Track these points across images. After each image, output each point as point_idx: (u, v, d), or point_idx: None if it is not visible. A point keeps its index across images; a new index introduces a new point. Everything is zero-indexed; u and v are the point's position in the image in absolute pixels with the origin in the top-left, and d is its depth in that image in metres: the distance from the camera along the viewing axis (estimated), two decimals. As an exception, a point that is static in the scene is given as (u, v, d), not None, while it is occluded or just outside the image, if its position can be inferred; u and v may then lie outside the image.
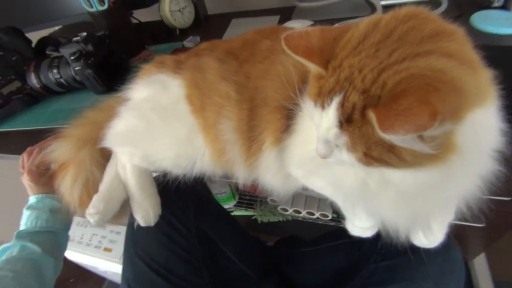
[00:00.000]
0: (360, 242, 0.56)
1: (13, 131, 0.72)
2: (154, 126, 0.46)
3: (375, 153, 0.26)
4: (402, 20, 0.26)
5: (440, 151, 0.24)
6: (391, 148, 0.25)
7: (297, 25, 0.80)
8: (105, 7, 0.78)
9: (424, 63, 0.23)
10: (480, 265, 0.89)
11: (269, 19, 0.91)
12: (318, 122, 0.28)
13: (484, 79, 0.26)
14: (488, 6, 0.71)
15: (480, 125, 0.26)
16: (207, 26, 1.00)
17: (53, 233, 0.51)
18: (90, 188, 0.48)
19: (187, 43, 0.87)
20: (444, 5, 0.72)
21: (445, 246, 0.47)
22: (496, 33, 0.62)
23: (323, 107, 0.27)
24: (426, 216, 0.38)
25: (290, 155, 0.38)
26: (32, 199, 0.53)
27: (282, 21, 0.88)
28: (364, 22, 0.27)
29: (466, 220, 0.46)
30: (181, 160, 0.46)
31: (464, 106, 0.23)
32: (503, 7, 0.70)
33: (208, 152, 0.45)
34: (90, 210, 0.46)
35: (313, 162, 0.36)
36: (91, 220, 0.46)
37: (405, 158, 0.25)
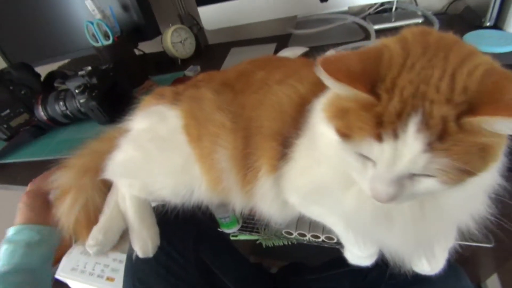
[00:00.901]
0: (366, 270, 0.54)
1: (19, 162, 0.74)
2: (152, 157, 0.47)
3: (471, 165, 0.23)
4: (423, 34, 0.26)
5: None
6: (481, 153, 0.23)
7: (289, 53, 0.82)
8: (110, 41, 0.83)
9: (480, 59, 0.23)
10: (494, 286, 0.85)
11: (266, 47, 0.94)
12: (390, 157, 0.24)
13: None
14: (479, 26, 0.73)
15: None
16: (207, 55, 1.04)
17: (31, 271, 0.46)
18: (90, 212, 0.49)
19: (188, 72, 0.90)
20: (436, 26, 0.75)
21: (454, 275, 0.45)
22: (489, 52, 0.64)
23: (396, 136, 0.23)
24: (431, 241, 0.37)
25: (287, 183, 0.38)
26: (10, 231, 0.49)
27: (279, 48, 0.91)
28: (392, 43, 0.26)
29: (474, 241, 0.45)
30: (179, 189, 0.46)
31: None
32: (494, 26, 0.72)
33: (204, 181, 0.45)
34: (90, 241, 0.46)
35: (316, 193, 0.35)
36: (91, 252, 0.46)
37: (488, 163, 0.23)
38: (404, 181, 0.25)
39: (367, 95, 0.24)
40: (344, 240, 0.41)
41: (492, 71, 0.23)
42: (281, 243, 1.21)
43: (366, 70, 0.24)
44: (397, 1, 0.86)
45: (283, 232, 1.11)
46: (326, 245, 1.05)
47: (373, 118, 0.23)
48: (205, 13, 0.90)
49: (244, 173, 0.41)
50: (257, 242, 1.24)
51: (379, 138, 0.23)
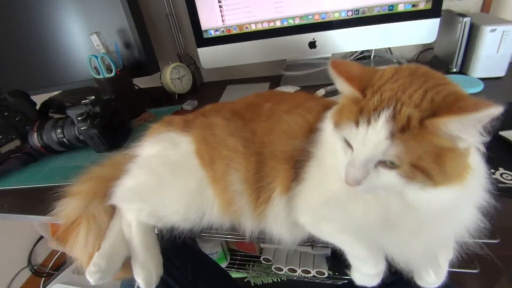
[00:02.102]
0: None
1: (7, 189, 0.71)
2: (164, 181, 0.48)
3: (423, 163, 0.28)
4: (417, 67, 0.32)
5: (462, 167, 0.30)
6: (437, 159, 0.28)
7: (286, 90, 0.90)
8: (112, 74, 0.86)
9: (455, 87, 0.30)
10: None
11: (260, 86, 1.02)
12: (361, 139, 0.30)
13: None
14: (447, 71, 0.85)
15: (476, 157, 0.33)
16: (203, 91, 1.09)
17: None
18: (101, 240, 0.47)
19: (185, 106, 0.94)
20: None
21: None
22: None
23: (369, 122, 0.29)
24: (436, 250, 0.40)
25: (299, 202, 0.41)
26: None
27: (272, 87, 0.99)
28: (388, 67, 0.33)
29: (460, 267, 0.48)
30: (190, 213, 0.47)
31: None
32: (460, 72, 0.84)
33: (217, 203, 0.46)
34: (91, 268, 0.44)
35: (326, 206, 0.38)
36: (91, 280, 0.44)
37: (446, 170, 0.29)
38: (370, 170, 0.31)
39: (357, 92, 0.31)
40: (353, 257, 0.42)
41: (456, 93, 0.29)
42: (270, 280, 1.18)
43: (363, 76, 0.32)
44: (374, 50, 0.98)
45: (273, 268, 1.10)
46: (317, 280, 1.04)
47: (357, 109, 0.31)
48: (204, 53, 0.97)
49: (257, 195, 0.43)
50: (245, 280, 1.20)
51: (357, 123, 0.30)
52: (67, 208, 0.49)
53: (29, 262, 1.44)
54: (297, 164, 0.41)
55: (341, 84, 0.33)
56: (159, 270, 0.49)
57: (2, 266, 1.35)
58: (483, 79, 0.78)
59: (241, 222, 0.46)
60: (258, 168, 0.44)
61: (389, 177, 0.30)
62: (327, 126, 0.38)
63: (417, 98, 0.28)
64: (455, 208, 0.34)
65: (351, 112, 0.31)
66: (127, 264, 0.49)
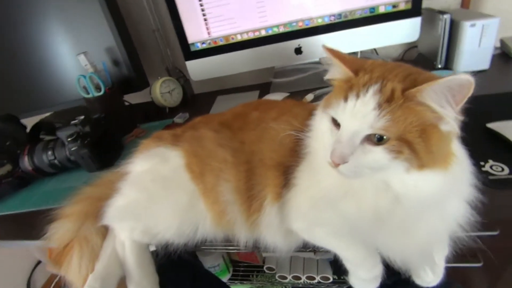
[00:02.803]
0: None
1: (0, 216, 0.70)
2: (156, 197, 0.48)
3: (410, 136, 0.29)
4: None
5: (446, 154, 0.31)
6: (422, 134, 0.29)
7: (275, 97, 0.90)
8: (101, 93, 0.86)
9: (433, 75, 0.31)
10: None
11: (250, 94, 1.03)
12: (350, 112, 0.31)
13: None
14: (433, 68, 0.86)
15: (460, 152, 0.34)
16: (194, 103, 1.10)
17: None
18: (95, 262, 0.47)
19: (177, 119, 0.94)
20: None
21: None
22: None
23: (357, 96, 0.31)
24: (431, 247, 0.40)
25: (291, 209, 0.41)
26: None
27: (261, 95, 0.99)
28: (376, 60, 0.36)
29: (463, 261, 0.48)
30: (184, 228, 0.47)
31: None
32: (445, 67, 0.85)
33: (209, 215, 0.46)
34: (86, 291, 0.44)
35: (317, 207, 0.38)
36: (87, 303, 0.43)
37: (431, 148, 0.30)
38: (356, 145, 0.31)
39: (350, 72, 0.33)
40: (349, 262, 0.42)
41: (437, 76, 0.30)
42: (275, 290, 1.16)
43: (356, 61, 0.35)
44: (360, 52, 1.00)
45: (277, 277, 1.08)
46: (322, 286, 1.03)
47: (348, 86, 0.33)
48: (192, 66, 0.97)
49: (249, 204, 0.43)
50: (250, 291, 1.18)
51: (346, 98, 0.32)
52: (59, 232, 0.49)
53: (29, 287, 1.41)
54: (286, 170, 0.41)
55: (335, 66, 0.35)
56: None
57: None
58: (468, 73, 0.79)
59: (235, 233, 0.46)
60: (248, 177, 0.44)
61: (375, 153, 0.31)
62: (317, 115, 0.39)
63: (401, 77, 0.31)
64: (442, 200, 0.34)
65: (341, 90, 0.33)
66: (123, 283, 0.48)
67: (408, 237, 0.36)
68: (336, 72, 0.36)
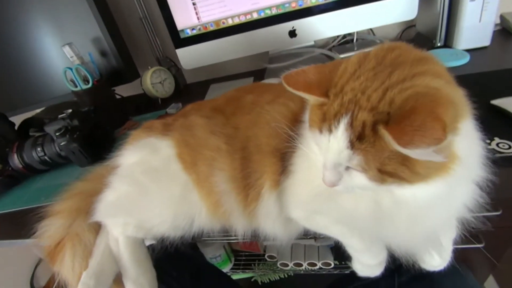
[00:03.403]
0: (373, 284, 0.53)
1: (-8, 216, 0.68)
2: (147, 190, 0.46)
3: (390, 168, 0.26)
4: (388, 50, 0.29)
5: (446, 161, 0.26)
6: (404, 161, 0.26)
7: (273, 81, 0.87)
8: (89, 85, 0.83)
9: (423, 82, 0.26)
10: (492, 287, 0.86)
11: (244, 81, 0.99)
12: (325, 147, 0.29)
13: (462, 95, 0.29)
14: (432, 47, 0.83)
15: (469, 135, 0.29)
16: (187, 93, 1.07)
17: None
18: (89, 259, 0.45)
19: (170, 110, 0.91)
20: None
21: (459, 276, 0.46)
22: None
23: (330, 130, 0.28)
24: (437, 232, 0.38)
25: (290, 197, 0.39)
26: None
27: (256, 81, 0.96)
28: (354, 56, 0.31)
29: (465, 243, 0.47)
30: (179, 221, 0.45)
31: (458, 118, 0.26)
32: (445, 45, 0.82)
33: (204, 207, 0.44)
34: (80, 288, 0.42)
35: (317, 199, 0.36)
36: (81, 300, 0.42)
37: (417, 171, 0.26)
38: (342, 172, 0.30)
39: (320, 97, 0.30)
40: (352, 249, 0.41)
41: (421, 96, 0.25)
42: (277, 277, 1.17)
43: (321, 79, 0.30)
44: (357, 33, 0.96)
45: (278, 265, 1.08)
46: (323, 272, 1.03)
47: (321, 115, 0.29)
48: (183, 54, 0.94)
49: (246, 193, 0.41)
50: (252, 279, 1.18)
51: (320, 130, 0.29)
52: (50, 229, 0.47)
53: (32, 285, 1.41)
54: (284, 157, 0.39)
55: (300, 95, 0.31)
56: (153, 285, 0.46)
57: (4, 293, 1.32)
58: (468, 51, 0.76)
59: (232, 223, 0.44)
60: (244, 165, 0.41)
61: (360, 179, 0.29)
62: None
63: (375, 99, 0.26)
64: (449, 193, 0.31)
65: (316, 117, 0.30)
66: (120, 279, 0.46)
67: (413, 227, 0.34)
68: (307, 97, 0.32)
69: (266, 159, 0.40)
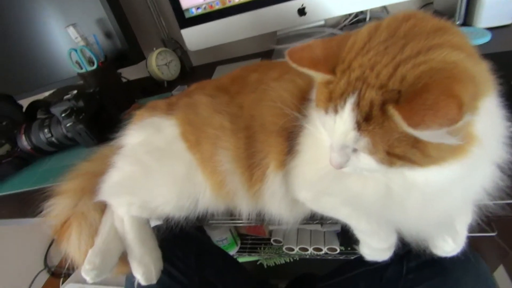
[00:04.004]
0: (381, 269, 0.52)
1: (2, 195, 0.69)
2: (151, 169, 0.45)
3: (399, 150, 0.25)
4: (403, 20, 0.27)
5: (462, 143, 0.24)
6: (415, 143, 0.24)
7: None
8: (95, 67, 0.82)
9: (439, 55, 0.23)
10: (501, 278, 0.84)
11: (251, 63, 0.97)
12: (331, 129, 0.27)
13: (485, 69, 0.27)
14: (450, 25, 0.79)
15: (490, 113, 0.27)
16: (193, 76, 1.05)
17: None
18: (95, 237, 0.46)
19: (175, 92, 0.90)
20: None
21: (472, 262, 0.45)
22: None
23: (336, 111, 0.26)
24: (452, 217, 0.36)
25: (296, 178, 0.37)
26: None
27: (263, 62, 0.93)
28: (365, 27, 0.28)
29: (477, 231, 0.45)
30: (183, 201, 0.44)
31: (478, 95, 0.24)
32: (464, 24, 0.78)
33: (209, 186, 0.43)
34: (86, 266, 0.42)
35: (324, 180, 0.35)
36: (88, 278, 0.42)
37: (430, 154, 0.24)
38: (349, 154, 0.28)
39: (327, 74, 0.27)
40: (361, 232, 0.39)
41: (436, 71, 0.23)
42: (282, 261, 1.17)
43: (328, 55, 0.28)
44: (370, 11, 0.92)
45: (284, 249, 1.08)
46: (329, 257, 1.03)
47: (327, 93, 0.27)
48: (188, 35, 0.92)
49: (250, 173, 0.40)
50: (258, 262, 1.19)
51: (326, 110, 0.27)
52: (56, 208, 0.47)
53: (46, 264, 1.46)
54: (290, 136, 0.37)
55: (305, 72, 0.29)
56: (158, 264, 0.47)
57: (20, 271, 1.37)
58: (490, 29, 0.72)
59: (236, 204, 0.43)
60: (248, 144, 0.40)
61: (368, 162, 0.27)
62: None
63: (385, 76, 0.24)
64: (466, 176, 0.29)
65: (322, 96, 0.28)
66: (125, 258, 0.47)
67: (425, 211, 0.32)
68: (313, 74, 0.29)
69: (272, 139, 0.38)
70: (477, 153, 0.26)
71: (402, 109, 0.22)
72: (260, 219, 0.45)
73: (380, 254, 0.40)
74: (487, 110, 0.26)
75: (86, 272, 0.42)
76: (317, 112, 0.29)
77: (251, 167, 0.40)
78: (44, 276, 1.45)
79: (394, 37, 0.26)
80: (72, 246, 0.45)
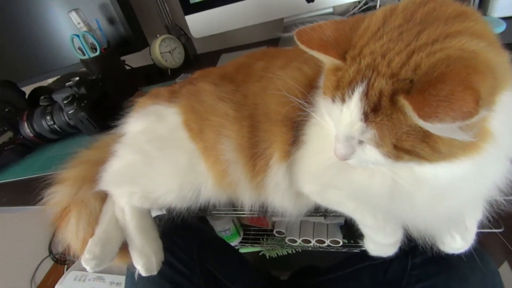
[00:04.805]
0: (385, 264, 0.51)
1: (4, 182, 0.69)
2: (153, 158, 0.44)
3: (407, 144, 0.23)
4: (421, 3, 0.25)
5: (476, 140, 0.22)
6: (425, 138, 0.23)
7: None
8: (97, 53, 0.80)
9: (458, 43, 0.21)
10: (506, 274, 0.83)
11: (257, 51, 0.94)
12: (338, 118, 0.26)
13: (507, 60, 0.25)
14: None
15: (508, 108, 0.25)
16: (197, 64, 1.03)
17: None
18: (95, 226, 0.45)
19: (179, 80, 0.88)
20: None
21: (479, 259, 0.43)
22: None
23: (343, 100, 0.25)
24: (461, 214, 0.35)
25: (301, 169, 0.36)
26: None
27: (269, 51, 0.91)
28: (380, 10, 0.26)
29: (484, 227, 0.44)
30: (185, 191, 0.43)
31: (497, 89, 0.22)
32: (478, 13, 0.75)
33: (211, 176, 0.42)
34: (86, 255, 0.42)
35: (329, 172, 0.33)
36: (88, 267, 0.41)
37: (440, 149, 0.23)
38: (355, 146, 0.27)
39: (336, 60, 0.26)
40: (366, 227, 0.38)
41: (453, 60, 0.21)
42: (285, 252, 1.17)
43: (339, 38, 0.26)
44: (380, -1, 0.88)
45: (286, 241, 1.08)
46: (332, 250, 1.02)
47: (336, 81, 0.26)
48: (193, 21, 0.89)
49: (253, 163, 0.39)
50: (260, 253, 1.19)
51: (333, 99, 0.26)
52: (56, 196, 0.47)
53: (50, 251, 1.48)
54: (295, 125, 0.36)
55: (313, 54, 0.27)
56: (159, 255, 0.46)
57: (25, 258, 1.40)
58: (505, 18, 0.69)
59: (238, 195, 0.42)
60: (252, 133, 0.39)
61: (374, 155, 0.26)
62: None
63: (397, 64, 0.22)
64: (477, 173, 0.27)
65: (330, 83, 0.27)
66: (126, 249, 0.46)
67: (433, 208, 0.30)
68: (322, 57, 0.28)
69: (276, 128, 0.37)
70: (490, 150, 0.24)
71: (413, 100, 0.21)
72: (263, 211, 0.44)
73: (385, 249, 0.39)
74: (505, 105, 0.24)
75: (86, 261, 0.41)
76: (324, 100, 0.28)
77: (254, 157, 0.39)
78: (49, 263, 1.47)
79: (410, 22, 0.24)
80: (69, 232, 0.45)
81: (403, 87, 0.22)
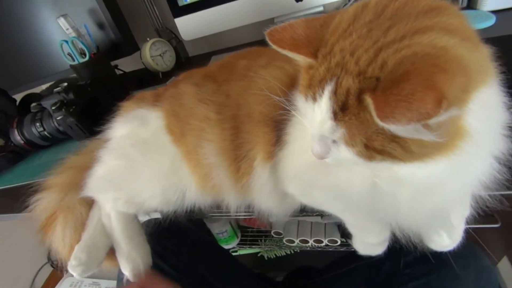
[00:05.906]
0: (378, 263, 0.51)
1: (-3, 190, 0.69)
2: (136, 163, 0.44)
3: (377, 144, 0.23)
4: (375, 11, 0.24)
5: (448, 139, 0.22)
6: (394, 137, 0.22)
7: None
8: (86, 58, 0.80)
9: (426, 40, 0.21)
10: (505, 269, 0.82)
11: (248, 52, 0.94)
12: (310, 117, 0.26)
13: (485, 56, 0.24)
14: (454, 9, 0.75)
15: (487, 104, 0.24)
16: (189, 67, 1.01)
17: None
18: (81, 232, 0.45)
19: (170, 83, 0.88)
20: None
21: (473, 256, 0.43)
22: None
23: (314, 99, 0.25)
24: (446, 211, 0.34)
25: (284, 169, 0.36)
26: None
27: (260, 51, 0.90)
28: (352, 6, 0.26)
29: (480, 222, 0.43)
30: (169, 195, 0.43)
31: (470, 87, 0.21)
32: (468, 7, 0.74)
33: (194, 180, 0.42)
34: (72, 262, 0.41)
35: (311, 171, 0.33)
36: (74, 274, 0.41)
37: (411, 149, 0.22)
38: (329, 144, 0.26)
39: (308, 58, 0.25)
40: (352, 226, 0.38)
41: (420, 58, 0.20)
42: (283, 253, 1.16)
43: (310, 36, 0.26)
44: (370, -4, 0.88)
45: (284, 241, 1.07)
46: (330, 249, 1.01)
47: (308, 79, 0.26)
48: (182, 23, 0.89)
49: (237, 166, 0.38)
50: (259, 255, 1.19)
51: (306, 98, 0.26)
52: (42, 203, 0.47)
53: (49, 258, 1.48)
54: (278, 126, 0.35)
55: (285, 54, 0.27)
56: (146, 260, 0.45)
57: (24, 265, 1.39)
58: (494, 12, 0.68)
59: (223, 198, 0.42)
60: (235, 135, 0.38)
61: (347, 154, 0.25)
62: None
63: (364, 61, 0.22)
64: (457, 171, 0.27)
65: (304, 82, 0.26)
66: (114, 254, 0.46)
67: (415, 206, 0.30)
68: (295, 56, 0.27)
69: (258, 129, 0.36)
70: (469, 148, 0.23)
71: (376, 99, 0.20)
72: (251, 212, 0.43)
73: (373, 249, 0.38)
74: (484, 101, 0.23)
75: (72, 267, 0.41)
76: (299, 99, 0.27)
77: (238, 159, 0.38)
78: (48, 270, 1.47)
79: (380, 18, 0.23)
80: (56, 238, 0.45)
81: (370, 85, 0.21)
